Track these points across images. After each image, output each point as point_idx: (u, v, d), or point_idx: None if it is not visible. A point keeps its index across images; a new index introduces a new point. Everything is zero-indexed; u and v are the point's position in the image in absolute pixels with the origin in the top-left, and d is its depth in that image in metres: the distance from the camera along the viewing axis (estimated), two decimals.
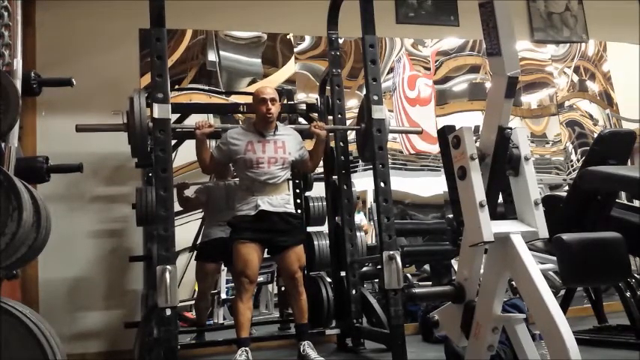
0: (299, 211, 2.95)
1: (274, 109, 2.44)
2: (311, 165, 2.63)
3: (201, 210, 3.08)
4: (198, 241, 3.05)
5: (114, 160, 3.09)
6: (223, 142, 2.47)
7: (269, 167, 2.42)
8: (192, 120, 3.05)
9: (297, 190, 3.16)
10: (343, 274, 2.80)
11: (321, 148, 2.57)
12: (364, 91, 2.48)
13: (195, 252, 3.02)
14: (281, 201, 2.43)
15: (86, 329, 2.94)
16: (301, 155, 2.55)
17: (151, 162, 2.39)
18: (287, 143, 2.48)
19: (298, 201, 3.15)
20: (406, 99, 3.80)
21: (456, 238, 1.55)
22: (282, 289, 3.13)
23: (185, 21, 3.29)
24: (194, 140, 3.20)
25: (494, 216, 1.43)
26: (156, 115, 2.16)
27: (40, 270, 2.90)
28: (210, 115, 3.39)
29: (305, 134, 2.77)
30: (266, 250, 2.46)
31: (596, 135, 3.55)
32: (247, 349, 2.30)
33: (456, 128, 1.48)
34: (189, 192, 3.00)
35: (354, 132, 3.55)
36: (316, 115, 3.08)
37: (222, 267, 3.06)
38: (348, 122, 3.12)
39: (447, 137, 1.49)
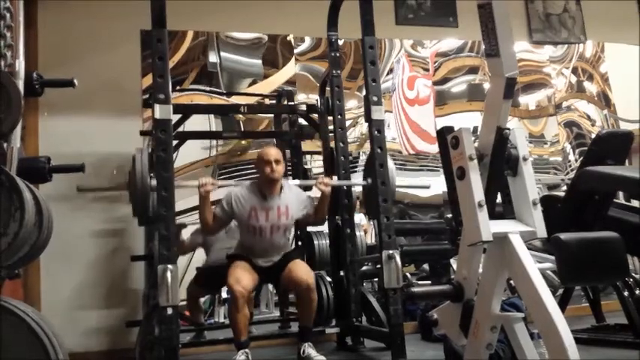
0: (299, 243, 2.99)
1: (278, 170, 2.43)
2: (315, 219, 2.61)
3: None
4: (198, 264, 3.02)
5: (115, 161, 3.10)
6: (228, 203, 2.46)
7: (271, 236, 2.45)
8: (193, 120, 3.08)
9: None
10: (343, 273, 2.81)
11: (325, 204, 2.53)
12: (364, 92, 2.50)
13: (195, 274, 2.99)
14: (280, 254, 2.48)
15: (88, 328, 2.94)
16: (305, 214, 2.55)
17: (152, 220, 2.37)
18: (290, 207, 2.48)
19: None
20: (405, 99, 3.81)
21: (454, 237, 1.56)
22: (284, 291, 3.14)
23: (186, 22, 3.30)
24: (194, 140, 3.25)
25: (493, 216, 1.43)
26: (157, 115, 2.16)
27: (42, 269, 2.90)
28: (211, 117, 3.41)
29: (306, 133, 2.78)
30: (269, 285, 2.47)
31: (593, 135, 3.57)
32: (247, 350, 2.31)
33: (455, 129, 1.49)
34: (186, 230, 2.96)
35: (354, 132, 3.55)
36: (316, 115, 3.09)
37: None
38: (348, 122, 3.13)
39: (446, 138, 1.49)
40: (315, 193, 2.60)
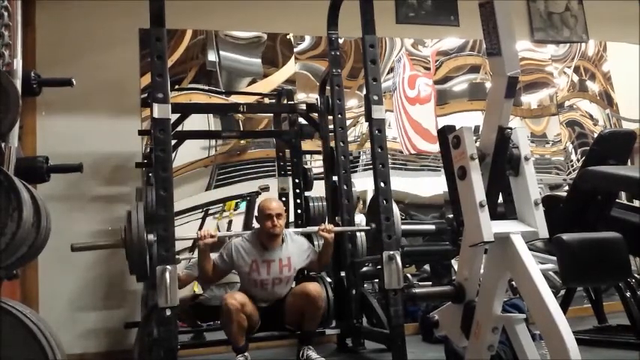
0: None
1: (280, 224, 2.42)
2: (319, 266, 2.60)
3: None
4: (198, 292, 2.98)
5: (114, 160, 3.10)
6: (228, 255, 2.45)
7: (273, 288, 2.45)
8: (192, 119, 3.07)
9: (297, 190, 3.16)
10: (343, 274, 2.80)
11: (329, 250, 2.52)
12: (364, 91, 2.48)
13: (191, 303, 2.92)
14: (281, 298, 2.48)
15: (86, 329, 2.94)
16: (308, 262, 2.55)
17: (149, 275, 2.33)
18: (292, 259, 2.47)
19: (298, 201, 3.15)
20: (406, 98, 3.80)
21: (456, 238, 1.55)
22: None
23: (185, 21, 3.29)
24: (194, 140, 3.24)
25: (495, 216, 1.43)
26: (156, 115, 2.15)
27: (40, 270, 2.90)
28: (210, 116, 3.40)
29: (306, 133, 2.75)
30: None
31: (596, 135, 3.55)
32: (246, 354, 2.31)
33: (456, 128, 1.48)
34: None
35: (354, 131, 3.54)
36: (316, 115, 3.08)
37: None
38: (348, 122, 3.11)
39: (447, 137, 1.49)
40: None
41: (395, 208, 2.37)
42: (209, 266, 2.40)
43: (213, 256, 2.46)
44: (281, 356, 2.72)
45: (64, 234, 2.60)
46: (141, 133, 3.05)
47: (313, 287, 2.39)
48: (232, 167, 3.39)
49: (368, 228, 2.57)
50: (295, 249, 2.50)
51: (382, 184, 2.35)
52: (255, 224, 2.65)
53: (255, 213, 2.55)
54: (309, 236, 2.75)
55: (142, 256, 2.24)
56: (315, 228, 2.57)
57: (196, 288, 3.01)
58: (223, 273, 2.50)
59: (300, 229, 2.79)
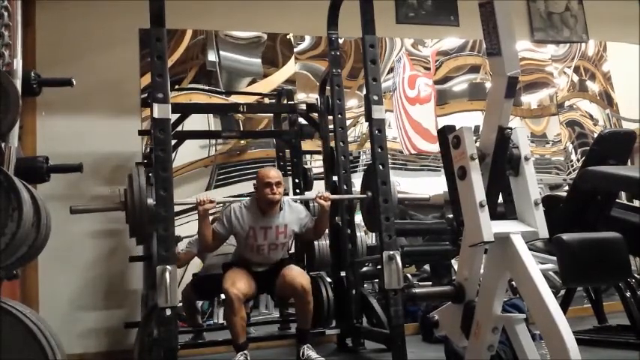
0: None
1: (279, 192, 2.43)
2: (315, 235, 2.61)
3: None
4: (197, 271, 3.01)
5: (114, 160, 3.09)
6: (227, 220, 2.46)
7: (269, 253, 2.47)
8: (192, 119, 3.07)
9: (297, 190, 3.16)
10: (343, 274, 2.80)
11: (326, 218, 2.54)
12: (364, 91, 2.48)
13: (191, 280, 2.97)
14: (277, 262, 2.50)
15: (86, 329, 2.93)
16: (304, 226, 2.54)
17: (149, 243, 2.36)
18: (289, 226, 2.49)
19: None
20: (406, 98, 3.80)
21: (456, 238, 1.55)
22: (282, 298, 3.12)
23: (185, 21, 3.29)
24: (193, 140, 3.24)
25: (495, 216, 1.43)
26: (156, 115, 2.15)
27: (40, 270, 2.90)
28: (210, 116, 3.39)
29: (306, 133, 2.74)
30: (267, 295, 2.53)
31: (596, 135, 3.55)
32: (246, 352, 2.31)
33: (456, 128, 1.48)
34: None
35: (354, 131, 3.54)
36: (316, 115, 3.08)
37: None
38: (348, 122, 3.11)
39: (447, 137, 1.49)
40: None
41: (392, 177, 2.41)
42: (208, 232, 2.42)
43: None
44: (281, 356, 2.72)
45: (64, 234, 2.62)
46: (141, 133, 3.05)
47: (300, 280, 2.37)
48: (232, 167, 3.39)
49: (364, 196, 2.61)
50: (293, 216, 2.52)
51: (382, 185, 2.34)
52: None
53: (254, 182, 2.55)
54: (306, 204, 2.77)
55: (143, 219, 2.25)
56: (312, 195, 2.60)
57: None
58: (223, 239, 2.51)
59: (297, 197, 2.78)
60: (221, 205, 2.81)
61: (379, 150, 2.37)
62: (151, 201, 2.22)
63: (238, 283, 2.32)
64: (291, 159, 3.24)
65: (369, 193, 2.53)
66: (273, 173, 2.48)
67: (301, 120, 3.17)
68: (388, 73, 3.78)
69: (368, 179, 2.64)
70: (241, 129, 3.52)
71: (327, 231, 2.92)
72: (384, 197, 2.33)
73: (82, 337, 2.90)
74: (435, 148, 3.64)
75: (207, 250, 2.69)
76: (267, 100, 3.54)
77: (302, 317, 2.44)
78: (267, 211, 2.46)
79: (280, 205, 2.48)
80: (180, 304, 2.83)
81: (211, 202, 2.38)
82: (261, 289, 2.53)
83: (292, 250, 2.90)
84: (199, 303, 3.09)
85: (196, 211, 2.41)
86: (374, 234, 3.37)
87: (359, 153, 3.56)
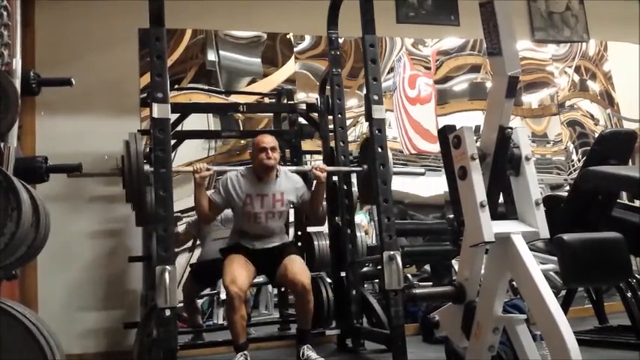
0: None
1: (274, 157, 2.43)
2: (311, 208, 2.56)
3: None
4: (195, 260, 3.02)
5: (113, 160, 3.09)
6: (224, 187, 2.45)
7: (266, 222, 2.45)
8: (191, 119, 3.07)
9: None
10: (343, 274, 2.80)
11: (322, 191, 2.53)
12: (364, 91, 2.48)
13: (190, 269, 2.98)
14: (276, 239, 2.48)
15: (85, 329, 2.93)
16: (301, 197, 2.53)
17: (145, 206, 2.35)
18: (286, 194, 2.47)
19: None
20: (407, 98, 3.80)
21: (456, 238, 1.54)
22: (282, 289, 3.13)
23: (184, 20, 3.28)
24: (193, 140, 3.23)
25: (495, 216, 1.43)
26: (155, 114, 2.15)
27: (39, 270, 2.89)
28: (210, 116, 3.39)
29: (306, 133, 2.72)
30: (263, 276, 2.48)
31: (597, 135, 3.55)
32: (246, 352, 2.30)
33: (457, 128, 1.48)
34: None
35: (354, 131, 3.53)
36: (316, 114, 3.08)
37: None
38: (348, 121, 3.11)
39: (448, 137, 1.48)
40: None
41: (389, 153, 2.44)
42: (205, 201, 2.41)
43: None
44: (281, 357, 2.72)
45: (63, 234, 2.61)
46: (140, 132, 3.04)
47: (301, 279, 2.33)
48: (232, 167, 3.38)
49: (360, 169, 2.63)
50: (289, 185, 2.51)
51: (382, 185, 2.34)
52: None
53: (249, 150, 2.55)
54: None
55: (140, 185, 2.26)
56: (309, 167, 2.62)
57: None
58: (219, 208, 2.48)
59: (294, 167, 2.78)
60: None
61: (379, 150, 2.37)
62: (147, 167, 2.23)
63: (239, 279, 2.29)
64: (291, 159, 3.23)
65: (365, 166, 2.56)
66: (268, 139, 2.48)
67: (301, 120, 3.17)
68: (388, 72, 3.77)
69: (364, 152, 2.65)
70: (241, 129, 3.51)
71: (327, 231, 2.93)
72: (384, 197, 2.33)
73: (81, 337, 2.90)
74: (435, 148, 3.64)
75: (204, 221, 2.65)
76: (267, 100, 3.54)
77: (302, 317, 2.42)
78: (263, 178, 2.45)
79: (277, 172, 2.48)
80: (181, 304, 2.85)
81: (208, 169, 2.38)
82: (261, 270, 2.48)
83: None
84: (199, 302, 3.09)
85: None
86: (374, 234, 3.37)
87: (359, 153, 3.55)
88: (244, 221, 2.46)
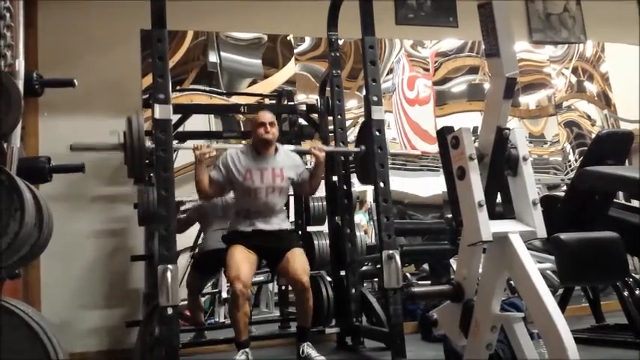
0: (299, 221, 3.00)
1: (272, 132, 2.45)
2: (310, 188, 2.59)
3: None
4: (196, 251, 3.04)
5: (115, 160, 3.10)
6: (223, 164, 2.47)
7: (267, 197, 2.45)
8: (193, 120, 3.08)
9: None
10: (343, 273, 2.81)
11: (320, 170, 2.55)
12: (364, 92, 2.50)
13: (191, 260, 3.00)
14: (277, 220, 2.48)
15: (88, 328, 2.94)
16: (300, 176, 2.55)
17: (146, 181, 2.39)
18: (285, 170, 2.49)
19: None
20: (406, 99, 3.81)
21: (454, 237, 1.56)
22: (283, 287, 3.14)
23: (186, 22, 3.30)
24: (194, 140, 3.23)
25: (493, 216, 1.43)
26: (157, 115, 2.17)
27: (42, 269, 2.90)
28: (211, 116, 3.40)
29: (306, 133, 2.75)
30: (264, 262, 2.49)
31: (594, 135, 3.57)
32: (247, 350, 2.31)
33: (455, 129, 1.49)
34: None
35: (354, 132, 3.55)
36: (316, 115, 3.09)
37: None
38: (348, 122, 3.13)
39: (446, 138, 1.49)
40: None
41: (385, 134, 2.47)
42: (205, 179, 2.43)
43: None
44: (281, 355, 2.73)
45: (65, 233, 2.62)
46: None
47: (302, 278, 2.33)
48: (232, 145, 3.39)
49: (358, 150, 2.64)
50: (288, 161, 2.53)
51: (382, 185, 2.36)
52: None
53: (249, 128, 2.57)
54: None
55: (141, 161, 2.30)
56: (307, 147, 2.64)
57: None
58: (219, 186, 2.49)
59: (292, 147, 2.80)
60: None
61: (379, 150, 2.38)
62: (149, 143, 2.26)
63: (243, 274, 2.28)
64: None
65: (363, 147, 2.58)
66: (267, 115, 2.51)
67: (301, 121, 3.18)
68: (387, 74, 3.79)
69: (362, 134, 2.67)
70: (242, 130, 3.53)
71: (326, 230, 2.95)
72: (384, 197, 2.34)
73: (83, 336, 2.91)
74: (433, 148, 3.66)
75: (205, 197, 2.64)
76: (267, 101, 3.55)
77: (302, 314, 2.43)
78: (262, 152, 2.47)
79: (276, 148, 2.50)
80: (181, 304, 2.86)
81: (208, 146, 2.42)
82: (262, 257, 2.47)
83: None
84: (202, 299, 3.09)
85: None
86: (373, 234, 3.39)
87: None
88: (245, 198, 2.46)
